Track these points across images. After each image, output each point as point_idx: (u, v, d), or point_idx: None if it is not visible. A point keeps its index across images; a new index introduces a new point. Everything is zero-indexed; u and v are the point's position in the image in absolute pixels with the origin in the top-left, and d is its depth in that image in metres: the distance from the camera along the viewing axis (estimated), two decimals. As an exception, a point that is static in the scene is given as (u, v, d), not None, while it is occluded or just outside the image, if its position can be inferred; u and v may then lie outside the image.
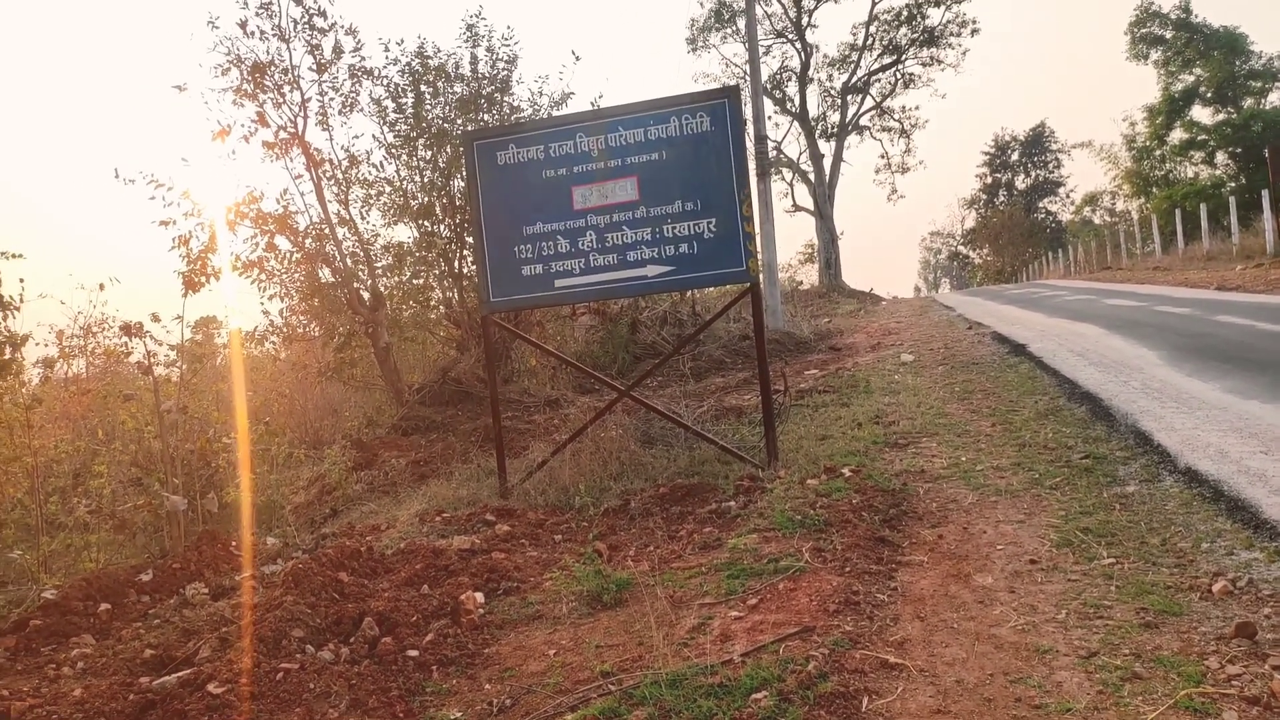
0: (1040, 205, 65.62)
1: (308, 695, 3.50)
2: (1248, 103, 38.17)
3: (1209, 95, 38.93)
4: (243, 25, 11.44)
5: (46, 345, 10.28)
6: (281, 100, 11.76)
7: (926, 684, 3.10)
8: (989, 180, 68.14)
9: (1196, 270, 23.05)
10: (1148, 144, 41.81)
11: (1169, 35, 39.75)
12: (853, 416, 8.03)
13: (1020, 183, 66.82)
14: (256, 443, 8.12)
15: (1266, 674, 2.86)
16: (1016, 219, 62.89)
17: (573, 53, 33.59)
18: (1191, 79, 39.47)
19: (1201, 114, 39.77)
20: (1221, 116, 38.71)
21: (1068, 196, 65.11)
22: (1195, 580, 3.67)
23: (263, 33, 11.56)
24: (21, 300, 6.37)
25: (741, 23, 36.85)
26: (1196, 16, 39.08)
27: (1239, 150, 37.41)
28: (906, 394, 9.04)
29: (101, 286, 8.39)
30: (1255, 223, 25.85)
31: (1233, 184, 36.65)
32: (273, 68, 11.65)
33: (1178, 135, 40.47)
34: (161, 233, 9.74)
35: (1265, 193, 23.42)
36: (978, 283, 65.97)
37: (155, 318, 7.12)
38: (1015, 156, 66.69)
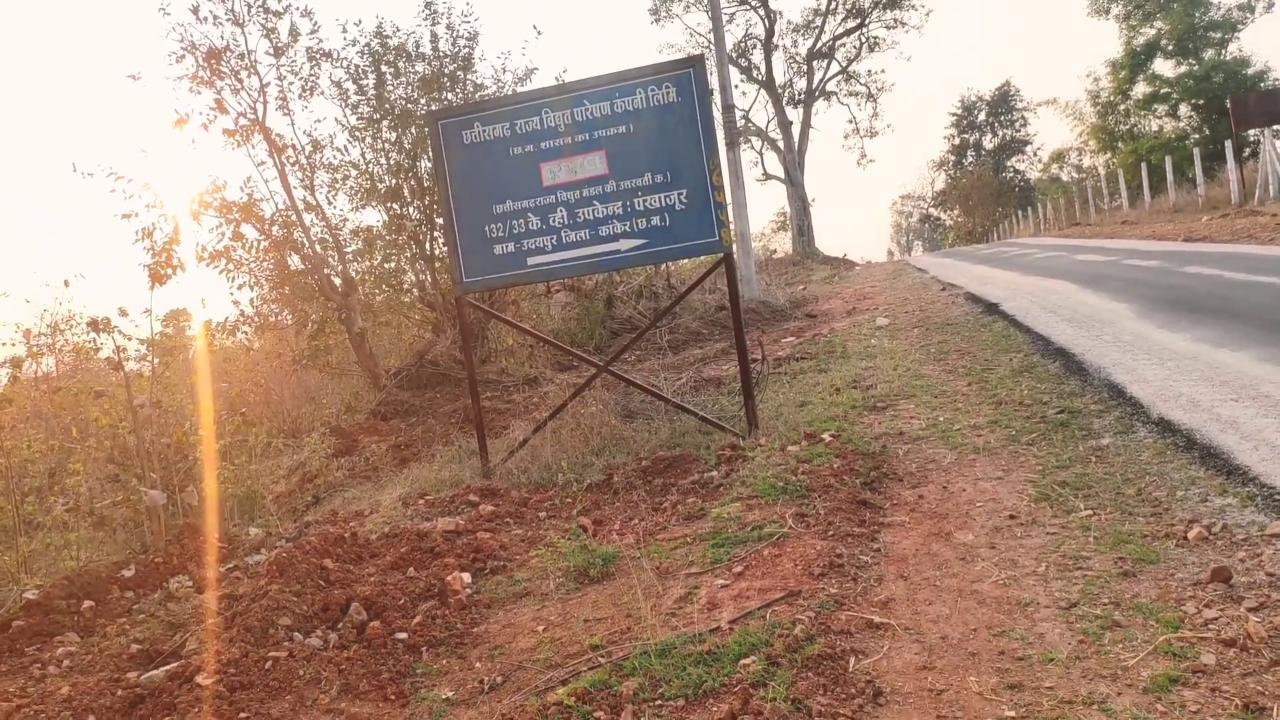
0: (1008, 164, 65.90)
1: (298, 682, 3.50)
2: (1208, 54, 38.45)
3: (1170, 48, 39.18)
4: (195, 10, 11.20)
5: (13, 344, 10.11)
6: (239, 86, 11.55)
7: (912, 641, 3.15)
8: (957, 141, 68.30)
9: (1164, 222, 23.28)
10: (1112, 99, 42.07)
11: (1130, -11, 39.90)
12: (831, 382, 8.08)
13: (988, 142, 67.04)
14: (234, 433, 8.04)
15: (1242, 616, 2.92)
16: (985, 179, 63.14)
17: (534, 27, 33.28)
18: (1152, 32, 39.67)
19: (1163, 67, 40.10)
20: (1183, 69, 38.98)
21: (1035, 154, 65.46)
22: (1171, 528, 3.74)
23: (216, 18, 11.33)
24: (-16, 300, 6.25)
25: (704, -9, 36.57)
26: (1156, -31, 39.22)
27: (1201, 102, 37.72)
28: (883, 357, 9.10)
29: (67, 283, 8.24)
30: (1219, 173, 26.15)
31: (1196, 136, 37.02)
32: (228, 53, 11.43)
33: (1141, 89, 40.75)
34: (125, 226, 9.58)
35: (1228, 143, 23.68)
36: (949, 244, 66.31)
37: (123, 312, 7.00)
38: (982, 116, 66.83)
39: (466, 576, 4.52)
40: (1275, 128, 23.39)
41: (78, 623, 4.80)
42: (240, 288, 11.77)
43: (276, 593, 4.17)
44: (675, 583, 4.00)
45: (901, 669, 2.97)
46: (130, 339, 6.97)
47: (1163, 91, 39.72)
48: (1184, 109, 39.44)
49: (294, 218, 11.89)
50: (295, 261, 11.96)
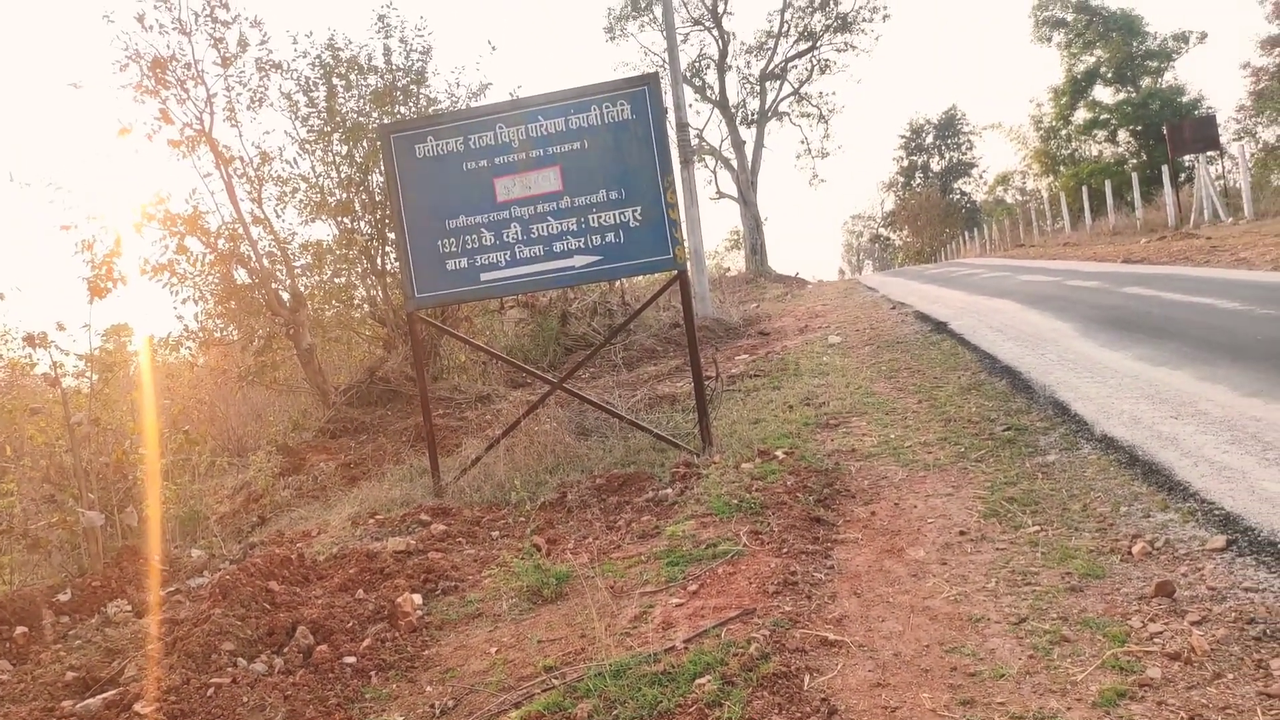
0: (955, 186, 67.41)
1: (241, 709, 3.40)
2: (1146, 82, 39.75)
3: (1109, 75, 40.44)
4: (140, 19, 10.98)
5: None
6: (185, 96, 11.32)
7: (865, 658, 3.16)
8: (906, 163, 69.72)
9: (1104, 244, 23.92)
10: (1054, 124, 43.25)
11: (1070, 18, 41.14)
12: (784, 399, 8.13)
13: (936, 165, 68.52)
14: (177, 452, 7.83)
15: (1186, 630, 2.97)
16: (933, 200, 64.47)
17: (489, 42, 33.24)
18: (1093, 60, 40.92)
19: (1103, 94, 41.36)
20: (1122, 96, 40.25)
21: (981, 177, 67.11)
22: (1116, 543, 3.81)
23: (162, 26, 11.11)
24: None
25: (659, 10, 36.85)
26: (1095, -1, 40.54)
27: (1139, 128, 38.95)
28: (835, 375, 9.19)
29: (1, 296, 7.98)
30: (1157, 197, 26.99)
31: (1135, 160, 38.18)
32: (174, 63, 11.20)
33: (1082, 115, 41.97)
34: (64, 237, 9.33)
35: (1165, 168, 24.46)
36: (899, 263, 67.43)
37: (60, 326, 6.81)
38: (930, 139, 68.34)
39: (417, 598, 4.44)
40: (1209, 154, 24.21)
41: (10, 650, 4.61)
42: (184, 302, 11.53)
43: (219, 617, 4.05)
44: (630, 602, 3.97)
45: (856, 686, 2.97)
46: (68, 354, 6.78)
47: (1102, 117, 40.97)
48: (1123, 134, 40.69)
49: (241, 231, 11.66)
50: (242, 275, 11.73)
